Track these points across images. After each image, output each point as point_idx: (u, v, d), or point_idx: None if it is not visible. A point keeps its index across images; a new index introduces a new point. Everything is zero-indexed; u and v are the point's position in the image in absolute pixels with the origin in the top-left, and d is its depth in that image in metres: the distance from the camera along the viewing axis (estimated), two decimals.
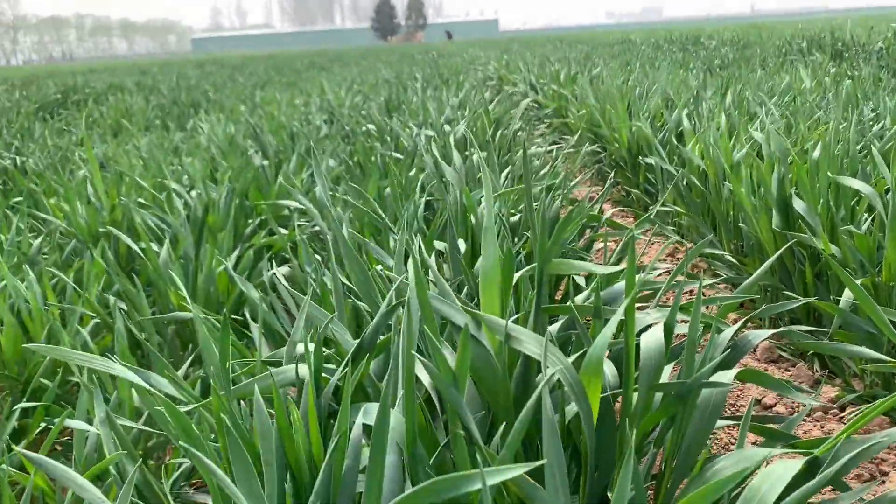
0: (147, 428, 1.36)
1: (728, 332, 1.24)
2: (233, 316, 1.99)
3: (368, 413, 1.10)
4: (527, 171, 1.40)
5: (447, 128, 3.88)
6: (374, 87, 8.16)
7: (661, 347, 1.16)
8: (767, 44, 11.29)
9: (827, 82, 5.11)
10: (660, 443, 1.19)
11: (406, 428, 0.99)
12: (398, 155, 3.18)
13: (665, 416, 1.13)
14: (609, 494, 1.13)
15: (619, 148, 4.12)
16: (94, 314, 1.98)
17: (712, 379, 1.12)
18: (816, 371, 2.10)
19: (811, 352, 2.12)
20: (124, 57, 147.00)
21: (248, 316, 1.72)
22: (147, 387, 1.17)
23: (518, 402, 1.21)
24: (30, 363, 1.81)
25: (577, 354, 1.24)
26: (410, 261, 1.46)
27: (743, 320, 1.35)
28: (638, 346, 1.16)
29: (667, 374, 1.22)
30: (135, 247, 2.25)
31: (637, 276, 1.31)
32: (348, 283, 1.52)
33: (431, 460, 1.03)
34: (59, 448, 1.69)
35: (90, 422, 1.39)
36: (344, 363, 1.17)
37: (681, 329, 1.27)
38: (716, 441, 1.78)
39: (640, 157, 3.78)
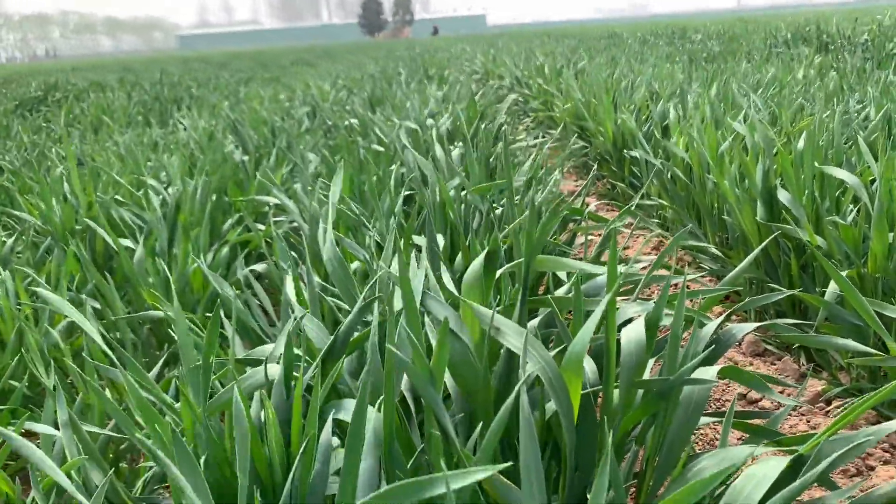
0: (112, 433, 1.31)
1: (711, 326, 1.21)
2: (207, 314, 1.94)
3: (346, 409, 1.07)
4: (507, 164, 1.37)
5: (430, 121, 3.83)
6: (358, 82, 8.10)
7: (642, 342, 1.12)
8: (753, 36, 11.29)
9: (812, 74, 5.10)
10: (641, 440, 1.15)
11: (384, 432, 0.96)
12: (379, 147, 3.14)
13: (647, 414, 1.10)
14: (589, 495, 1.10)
15: (605, 141, 4.09)
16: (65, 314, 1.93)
17: (695, 375, 1.09)
18: (802, 364, 2.07)
19: (797, 345, 2.10)
20: (110, 54, 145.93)
21: (222, 314, 1.67)
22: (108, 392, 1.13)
23: (500, 398, 1.17)
24: None
25: (558, 349, 1.20)
26: (390, 255, 1.43)
27: (726, 313, 1.32)
28: (619, 341, 1.13)
29: (650, 368, 1.19)
30: (110, 241, 2.19)
31: (619, 268, 1.28)
32: (323, 283, 1.48)
33: (409, 464, 0.99)
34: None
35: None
36: (315, 363, 1.13)
37: (664, 321, 1.23)
38: (700, 437, 1.75)
39: (626, 151, 3.75)
